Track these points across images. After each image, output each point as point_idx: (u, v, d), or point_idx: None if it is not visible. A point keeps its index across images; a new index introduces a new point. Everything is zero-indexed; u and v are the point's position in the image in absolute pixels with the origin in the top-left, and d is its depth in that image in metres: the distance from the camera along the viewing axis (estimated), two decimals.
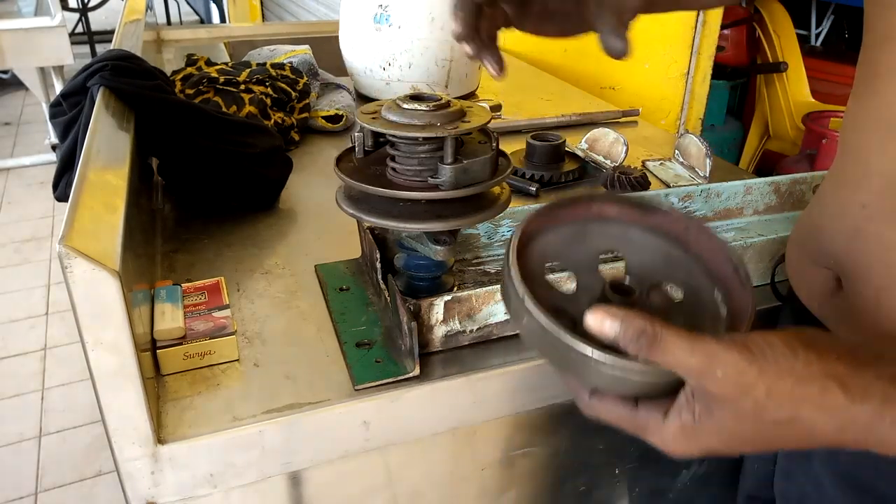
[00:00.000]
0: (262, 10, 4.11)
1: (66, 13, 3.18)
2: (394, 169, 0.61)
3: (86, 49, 4.67)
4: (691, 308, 0.47)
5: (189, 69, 1.12)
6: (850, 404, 0.35)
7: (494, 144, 0.62)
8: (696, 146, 1.00)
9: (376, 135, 0.62)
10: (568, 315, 0.44)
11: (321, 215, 0.89)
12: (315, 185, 0.98)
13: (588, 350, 0.38)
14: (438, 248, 0.61)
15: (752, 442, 0.38)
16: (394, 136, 0.59)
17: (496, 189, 0.64)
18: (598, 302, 0.43)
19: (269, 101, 1.06)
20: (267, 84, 1.08)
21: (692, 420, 0.38)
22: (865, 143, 0.53)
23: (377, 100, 0.73)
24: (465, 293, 0.62)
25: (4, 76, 4.68)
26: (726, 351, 0.35)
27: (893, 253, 0.50)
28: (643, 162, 1.05)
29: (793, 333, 0.37)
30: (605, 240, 0.50)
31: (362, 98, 1.33)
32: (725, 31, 2.81)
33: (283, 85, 1.10)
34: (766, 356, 0.35)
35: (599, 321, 0.37)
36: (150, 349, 0.59)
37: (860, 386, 0.35)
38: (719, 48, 2.34)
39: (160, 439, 0.54)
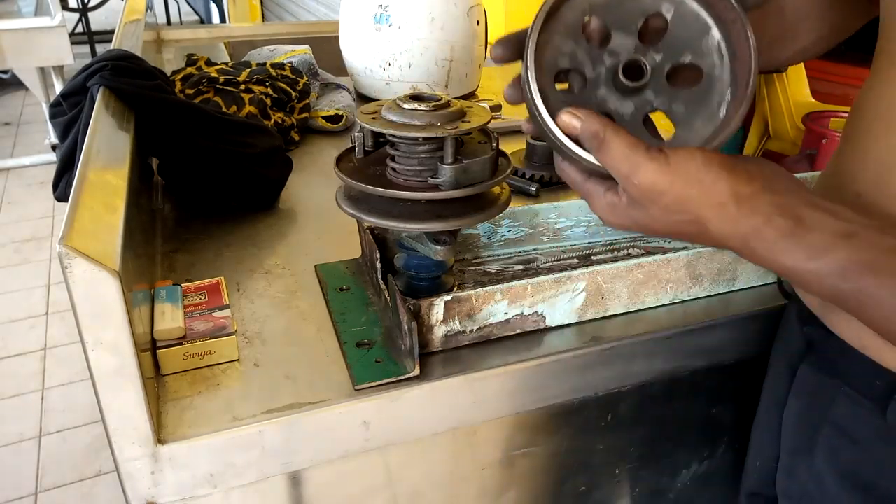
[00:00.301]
0: (262, 10, 4.11)
1: (66, 13, 3.18)
2: (394, 169, 0.61)
3: (86, 49, 4.66)
4: (697, 99, 0.48)
5: (189, 69, 1.12)
6: (738, 216, 0.42)
7: (494, 144, 0.62)
8: None
9: (376, 135, 0.62)
10: (580, 72, 0.48)
11: (321, 215, 0.89)
12: (315, 185, 0.98)
13: (557, 132, 0.46)
14: (438, 248, 0.61)
15: (660, 231, 0.46)
16: (394, 136, 0.59)
17: (496, 189, 0.64)
18: (612, 76, 0.47)
19: (269, 101, 1.06)
20: (267, 84, 1.08)
21: (618, 202, 0.46)
22: (868, 130, 0.53)
23: (377, 100, 0.73)
24: (465, 293, 0.62)
25: (4, 76, 4.68)
26: (648, 162, 0.43)
27: None
28: None
29: (721, 155, 0.44)
30: (658, 1, 0.49)
31: (362, 98, 1.33)
32: None
33: (283, 85, 1.10)
34: (679, 169, 0.42)
35: (568, 119, 0.45)
36: (150, 349, 0.59)
37: (752, 205, 0.42)
38: None
39: (160, 439, 0.54)
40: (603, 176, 0.47)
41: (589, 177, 0.48)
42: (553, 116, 0.46)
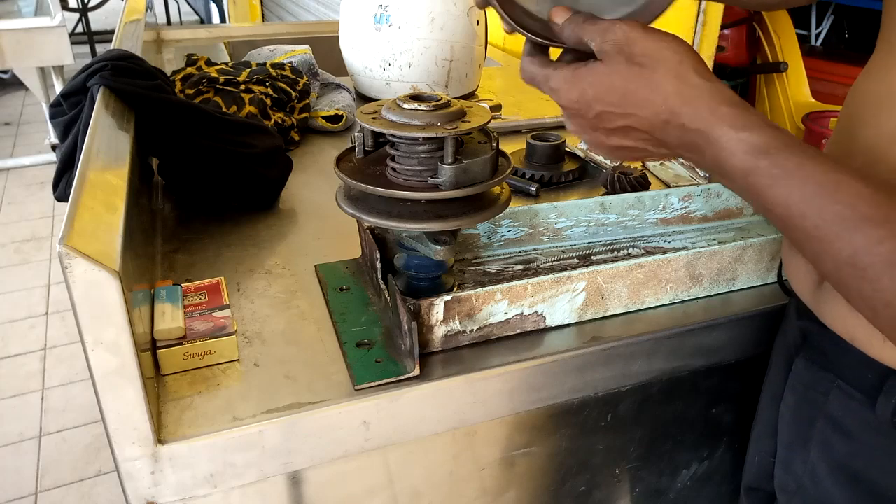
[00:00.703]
0: (262, 10, 4.11)
1: (66, 13, 3.18)
2: (394, 169, 0.61)
3: (86, 49, 4.67)
4: None
5: (189, 69, 1.12)
6: (695, 75, 0.46)
7: (494, 144, 0.62)
8: None
9: (376, 135, 0.62)
10: None
11: (321, 215, 0.89)
12: (315, 185, 0.98)
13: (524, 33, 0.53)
14: (438, 248, 0.61)
15: (616, 88, 0.48)
16: (394, 135, 0.59)
17: (496, 189, 0.64)
18: None
19: (269, 101, 1.06)
20: (267, 84, 1.08)
21: (579, 68, 0.50)
22: (858, 117, 0.53)
23: (377, 100, 0.73)
24: (465, 293, 0.62)
25: (4, 76, 4.68)
26: (623, 23, 0.48)
27: None
28: (643, 162, 1.05)
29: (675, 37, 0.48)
30: None
31: (362, 98, 1.33)
32: (725, 31, 2.81)
33: (283, 85, 1.10)
34: (651, 30, 0.47)
35: (559, 13, 0.52)
36: (150, 349, 0.59)
37: (708, 73, 0.46)
38: (719, 48, 2.34)
39: (160, 439, 0.54)
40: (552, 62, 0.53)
41: (547, 64, 0.53)
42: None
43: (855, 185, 0.41)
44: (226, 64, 1.16)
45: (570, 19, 0.51)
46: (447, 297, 0.61)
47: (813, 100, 2.82)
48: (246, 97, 1.03)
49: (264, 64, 1.14)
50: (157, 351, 0.60)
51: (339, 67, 1.36)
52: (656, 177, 1.01)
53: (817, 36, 3.31)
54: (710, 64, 2.02)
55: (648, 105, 0.47)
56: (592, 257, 0.79)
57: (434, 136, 0.57)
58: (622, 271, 0.68)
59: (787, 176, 0.42)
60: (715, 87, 0.46)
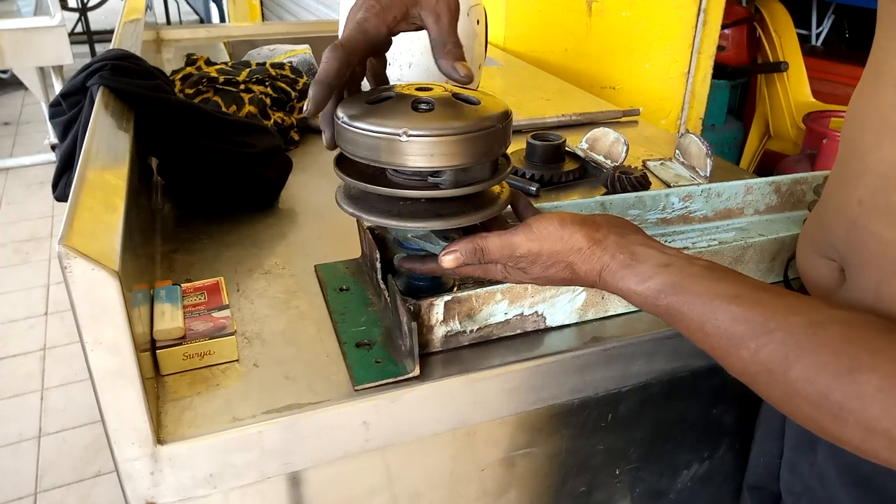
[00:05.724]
0: (262, 9, 4.11)
1: (66, 13, 3.18)
2: (394, 168, 0.60)
3: (86, 49, 4.67)
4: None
5: (189, 69, 1.12)
6: (592, 256, 0.54)
7: None
8: (696, 146, 0.99)
9: None
10: None
11: (321, 215, 0.89)
12: (315, 185, 0.98)
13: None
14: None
15: (543, 280, 0.57)
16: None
17: (496, 188, 0.64)
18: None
19: (268, 100, 1.06)
20: (267, 84, 1.08)
21: (510, 268, 0.57)
22: (862, 141, 0.53)
23: None
24: (465, 293, 0.62)
25: (4, 76, 4.68)
26: (520, 237, 0.55)
27: (888, 248, 0.50)
28: (644, 162, 1.05)
29: (572, 213, 0.56)
30: None
31: None
32: (726, 31, 2.81)
33: (282, 85, 1.10)
34: (544, 235, 0.55)
35: (452, 257, 0.56)
36: (149, 349, 0.59)
37: (601, 246, 0.54)
38: (720, 48, 2.34)
39: (160, 439, 0.53)
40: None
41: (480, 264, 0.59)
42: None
43: (725, 306, 0.47)
44: (225, 63, 1.16)
45: (466, 256, 0.56)
46: (447, 298, 0.61)
47: (813, 99, 2.83)
48: (245, 97, 1.03)
49: (264, 64, 1.14)
50: (157, 351, 0.60)
51: None
52: (657, 177, 1.01)
53: (818, 35, 3.31)
54: (710, 63, 2.02)
55: (571, 280, 0.56)
56: None
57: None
58: None
59: (679, 313, 0.49)
60: (612, 259, 0.53)
